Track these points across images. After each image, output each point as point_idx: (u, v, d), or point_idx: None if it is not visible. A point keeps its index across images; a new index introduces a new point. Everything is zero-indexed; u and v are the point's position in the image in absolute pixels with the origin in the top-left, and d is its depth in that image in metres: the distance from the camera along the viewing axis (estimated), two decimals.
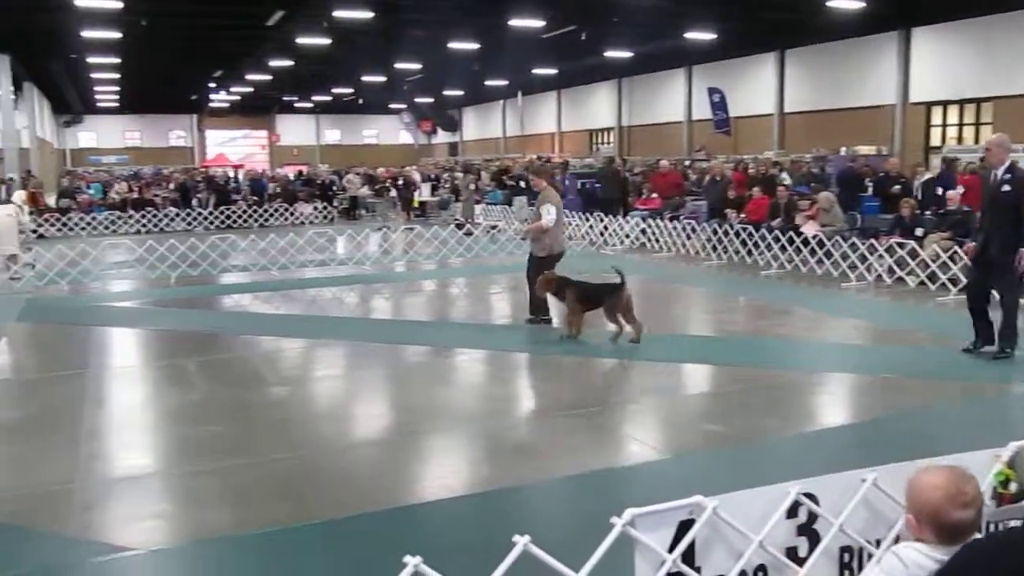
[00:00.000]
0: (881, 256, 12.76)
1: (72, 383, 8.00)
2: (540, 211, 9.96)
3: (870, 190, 16.46)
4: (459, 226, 20.84)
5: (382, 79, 41.54)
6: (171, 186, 29.96)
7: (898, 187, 15.20)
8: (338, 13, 23.50)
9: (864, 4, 22.65)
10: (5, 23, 25.49)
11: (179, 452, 6.12)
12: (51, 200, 27.73)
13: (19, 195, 22.58)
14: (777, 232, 14.56)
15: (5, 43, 28.49)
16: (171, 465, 5.89)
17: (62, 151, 56.89)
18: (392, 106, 58.71)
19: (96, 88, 44.76)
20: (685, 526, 2.73)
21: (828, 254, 13.51)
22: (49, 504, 5.10)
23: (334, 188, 30.27)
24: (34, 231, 22.06)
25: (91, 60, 33.23)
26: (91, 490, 5.35)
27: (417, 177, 30.49)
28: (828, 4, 22.64)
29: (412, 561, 2.36)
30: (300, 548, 4.47)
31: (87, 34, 26.24)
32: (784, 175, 19.13)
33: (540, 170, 11.81)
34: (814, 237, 13.94)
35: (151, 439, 6.53)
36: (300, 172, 37.10)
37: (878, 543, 3.02)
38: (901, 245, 12.64)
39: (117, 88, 44.80)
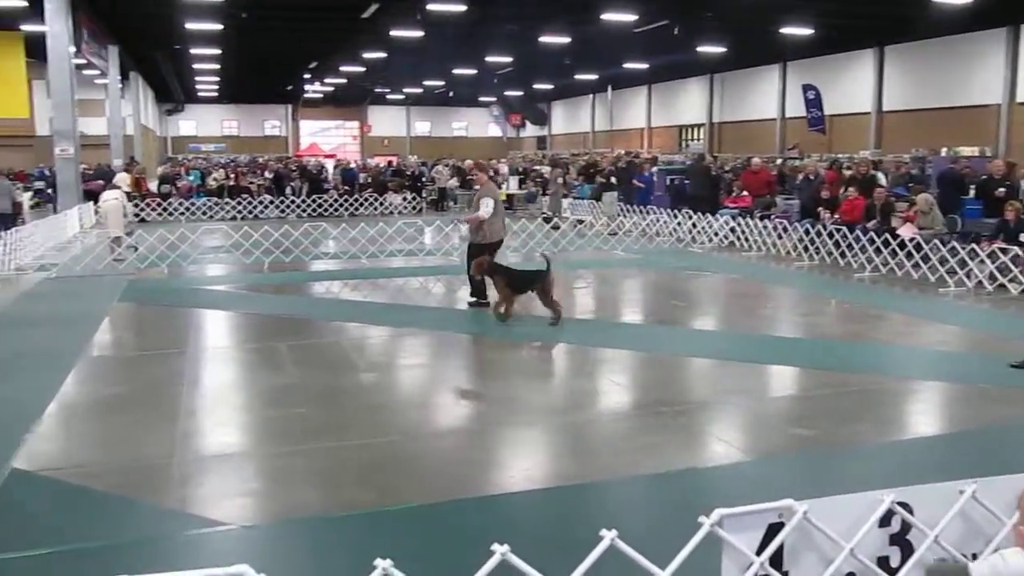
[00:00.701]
0: (982, 261, 12.31)
1: (170, 362, 8.31)
2: (479, 203, 10.74)
3: (972, 192, 15.90)
4: (546, 220, 20.87)
5: (473, 72, 41.86)
6: (266, 174, 30.76)
7: (1002, 190, 14.60)
8: (432, 6, 23.75)
9: (970, 0, 21.82)
10: (115, 15, 26.55)
11: (270, 433, 6.31)
12: (152, 186, 28.75)
13: (123, 179, 23.54)
14: (872, 234, 14.17)
15: (115, 34, 29.64)
16: (262, 445, 6.08)
17: (163, 138, 58.93)
18: (482, 99, 59.08)
19: (197, 78, 46.25)
20: (774, 529, 2.70)
21: (926, 258, 13.09)
22: (149, 477, 5.32)
23: (423, 179, 30.64)
24: (136, 215, 22.91)
25: (193, 51, 34.36)
26: (187, 466, 5.55)
27: (504, 170, 30.59)
28: None
29: (500, 549, 2.39)
30: (386, 531, 4.57)
31: (191, 26, 27.11)
32: (880, 175, 18.60)
33: (480, 166, 12.78)
34: (911, 240, 13.53)
35: (244, 419, 6.74)
36: (390, 163, 37.65)
37: (974, 556, 2.94)
38: (1004, 251, 12.17)
39: (216, 78, 46.18)
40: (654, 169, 24.57)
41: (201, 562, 4.19)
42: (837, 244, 14.81)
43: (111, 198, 16.89)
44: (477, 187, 11.47)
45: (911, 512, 2.87)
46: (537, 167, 33.19)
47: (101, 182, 24.82)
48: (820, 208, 16.36)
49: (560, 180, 25.31)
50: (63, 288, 13.02)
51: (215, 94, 54.06)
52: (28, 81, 24.10)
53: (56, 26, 20.37)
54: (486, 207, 10.62)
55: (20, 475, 5.33)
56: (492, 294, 10.59)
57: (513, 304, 10.02)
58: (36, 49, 23.34)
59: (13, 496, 5.03)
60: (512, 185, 29.04)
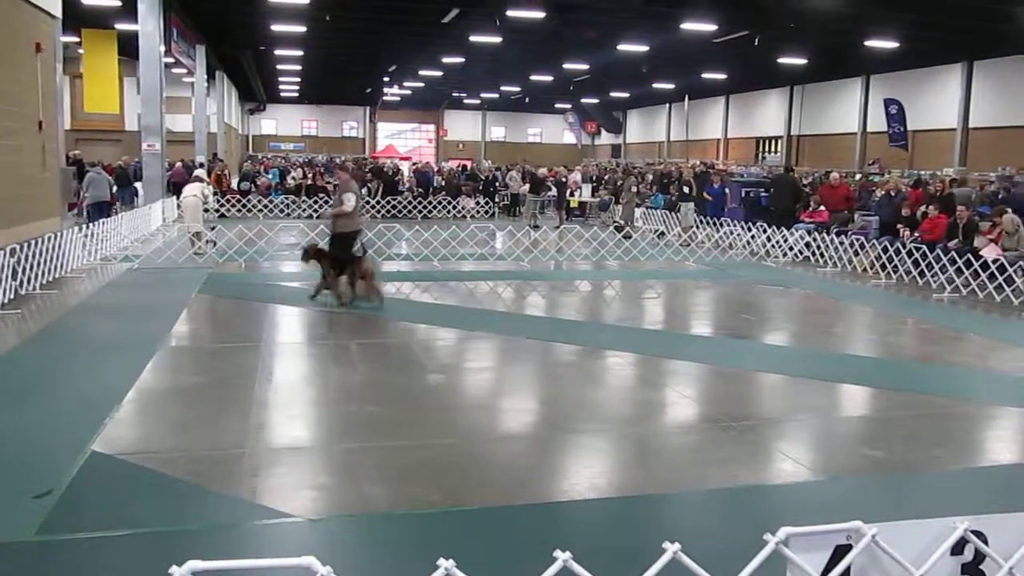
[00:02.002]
0: None
1: (245, 355, 8.52)
2: (342, 198, 11.91)
3: None
4: (618, 228, 20.80)
5: (549, 78, 41.92)
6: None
7: None
8: (511, 12, 23.88)
9: None
10: (204, 15, 27.30)
11: (339, 428, 6.42)
12: (233, 183, 29.48)
13: (203, 175, 24.20)
14: (954, 253, 13.78)
15: (203, 34, 30.47)
16: (332, 440, 6.20)
17: (245, 137, 60.34)
18: (557, 105, 59.10)
19: (279, 78, 47.26)
20: (841, 551, 2.65)
21: (1009, 280, 12.69)
22: (221, 466, 5.46)
23: (496, 184, 30.78)
24: (216, 210, 23.53)
25: (277, 52, 35.15)
26: (259, 457, 5.69)
27: (577, 177, 30.57)
28: None
29: (562, 556, 2.40)
30: (449, 532, 4.62)
31: (276, 27, 27.75)
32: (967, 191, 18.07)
33: (342, 166, 14.85)
34: (995, 261, 13.12)
35: (314, 413, 6.88)
36: (464, 167, 37.91)
37: None
38: None
39: (298, 79, 47.14)
40: (722, 182, 24.22)
41: (269, 552, 4.30)
42: (916, 263, 14.44)
43: (190, 194, 17.37)
44: (337, 184, 13.06)
45: (985, 541, 2.79)
46: (611, 175, 33.04)
47: (184, 173, 25.54)
48: (900, 226, 15.97)
49: (633, 189, 25.18)
50: (145, 279, 13.45)
51: (296, 94, 55.17)
52: (119, 78, 24.93)
53: (148, 25, 21.07)
54: (348, 202, 11.75)
55: (100, 458, 5.52)
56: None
57: (339, 284, 11.40)
58: (127, 47, 24.15)
59: (92, 479, 5.21)
60: (585, 193, 28.98)
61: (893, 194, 17.57)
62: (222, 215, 24.25)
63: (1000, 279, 12.86)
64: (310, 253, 11.72)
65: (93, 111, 25.96)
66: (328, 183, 29.34)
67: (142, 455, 5.61)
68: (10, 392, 7.01)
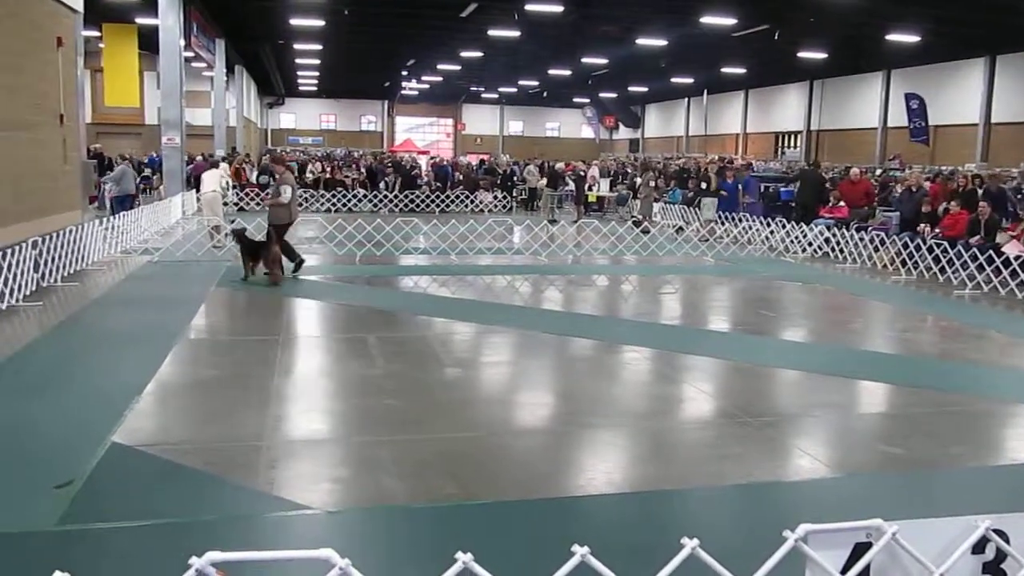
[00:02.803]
0: None
1: (263, 348, 8.56)
2: (279, 190, 12.90)
3: None
4: (636, 223, 20.74)
5: (567, 73, 41.84)
6: (360, 168, 31.32)
7: None
8: (529, 6, 23.86)
9: None
10: (224, 10, 27.41)
11: (357, 421, 6.45)
12: (252, 176, 29.58)
13: (224, 168, 24.33)
14: (975, 250, 13.66)
15: (222, 28, 30.60)
16: (350, 433, 6.22)
17: (264, 130, 60.59)
18: (575, 100, 58.98)
19: (298, 72, 47.42)
20: (861, 549, 2.63)
21: None
22: (239, 458, 5.49)
23: (514, 178, 30.76)
24: (236, 203, 23.61)
25: (296, 46, 35.23)
26: (277, 449, 5.72)
27: (595, 172, 30.51)
28: None
29: (580, 551, 2.39)
30: (467, 525, 4.62)
31: (295, 21, 27.84)
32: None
33: (278, 159, 15.34)
34: (1016, 258, 13.00)
35: (332, 406, 6.91)
36: (482, 161, 37.92)
37: None
38: None
39: (316, 73, 47.27)
40: (734, 178, 24.02)
41: (286, 544, 4.33)
42: (937, 259, 14.32)
43: (209, 189, 17.46)
44: (277, 176, 13.52)
45: (1007, 540, 2.77)
46: (630, 170, 32.95)
47: (204, 164, 25.72)
48: (921, 222, 15.86)
49: (651, 184, 25.11)
50: (165, 272, 13.54)
51: (314, 88, 55.34)
52: (139, 72, 25.08)
53: (168, 20, 21.19)
54: (285, 193, 12.83)
55: (119, 449, 5.56)
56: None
57: (251, 265, 12.68)
58: (148, 41, 24.30)
59: (112, 469, 5.25)
60: (603, 187, 28.93)
61: (914, 190, 17.44)
62: (241, 208, 24.36)
63: (1022, 275, 12.73)
64: (236, 237, 12.93)
65: (113, 105, 26.14)
66: (347, 177, 29.43)
67: (161, 446, 5.65)
68: (31, 384, 7.07)
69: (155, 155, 31.21)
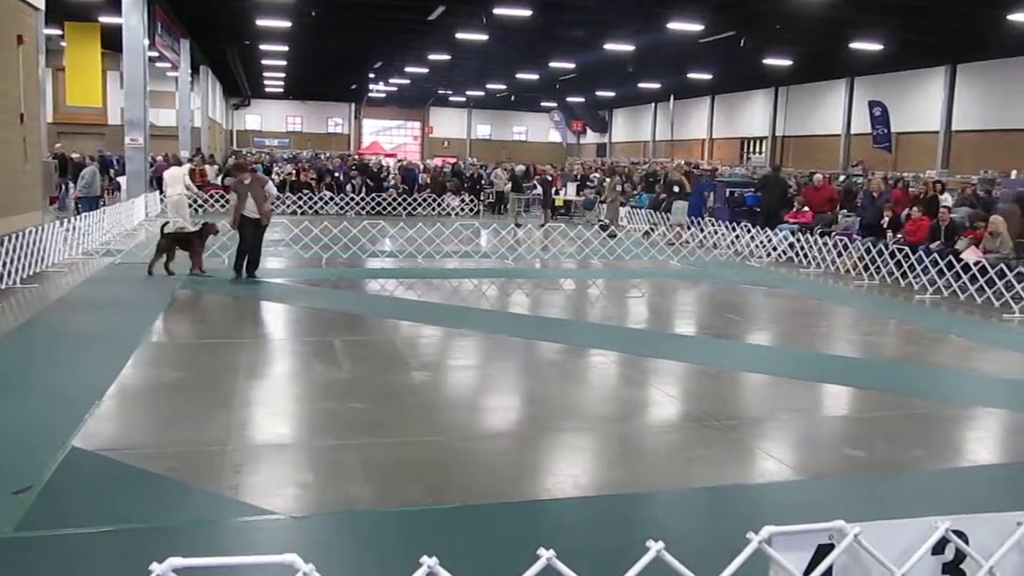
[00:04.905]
0: None
1: (228, 351, 8.48)
2: (265, 192, 13.32)
3: None
4: (603, 227, 20.82)
5: (535, 77, 41.96)
6: (335, 174, 31.01)
7: None
8: (497, 10, 23.88)
9: None
10: (189, 9, 27.15)
11: (323, 425, 6.40)
12: (212, 175, 29.29)
13: (186, 169, 24.08)
14: (936, 255, 13.87)
15: (187, 28, 30.31)
16: (315, 437, 6.17)
17: (229, 132, 60.06)
18: (543, 104, 59.14)
19: (264, 74, 47.12)
20: (824, 550, 2.66)
21: (991, 282, 12.78)
22: (204, 463, 5.43)
23: (482, 182, 30.75)
24: (191, 205, 23.34)
25: (262, 47, 35.00)
26: (242, 453, 5.66)
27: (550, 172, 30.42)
28: (1009, 18, 21.36)
29: (546, 554, 2.39)
30: (433, 529, 4.61)
31: (261, 22, 27.65)
32: (946, 196, 18.20)
33: (240, 166, 15.32)
34: (976, 263, 13.22)
35: (298, 410, 6.85)
36: (451, 164, 37.88)
37: None
38: None
39: (283, 75, 47.00)
40: (697, 184, 24.18)
41: (251, 549, 4.29)
42: (899, 264, 14.53)
43: (175, 192, 17.26)
44: (247, 181, 13.42)
45: (966, 541, 2.81)
46: (596, 175, 33.07)
47: (164, 164, 25.45)
48: (883, 227, 16.08)
49: (618, 188, 25.23)
50: (127, 274, 13.35)
51: (281, 90, 55.00)
52: (103, 71, 24.75)
53: (132, 18, 20.94)
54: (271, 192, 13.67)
55: (80, 453, 5.48)
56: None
57: (163, 256, 13.00)
58: (111, 40, 23.99)
59: (72, 474, 5.17)
60: (570, 191, 29.01)
61: (876, 196, 17.67)
62: (205, 210, 24.12)
63: (981, 281, 12.96)
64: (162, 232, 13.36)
65: (76, 105, 25.79)
66: (312, 179, 29.23)
67: (123, 451, 5.57)
68: None
69: (111, 155, 30.82)
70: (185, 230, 13.49)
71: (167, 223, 13.46)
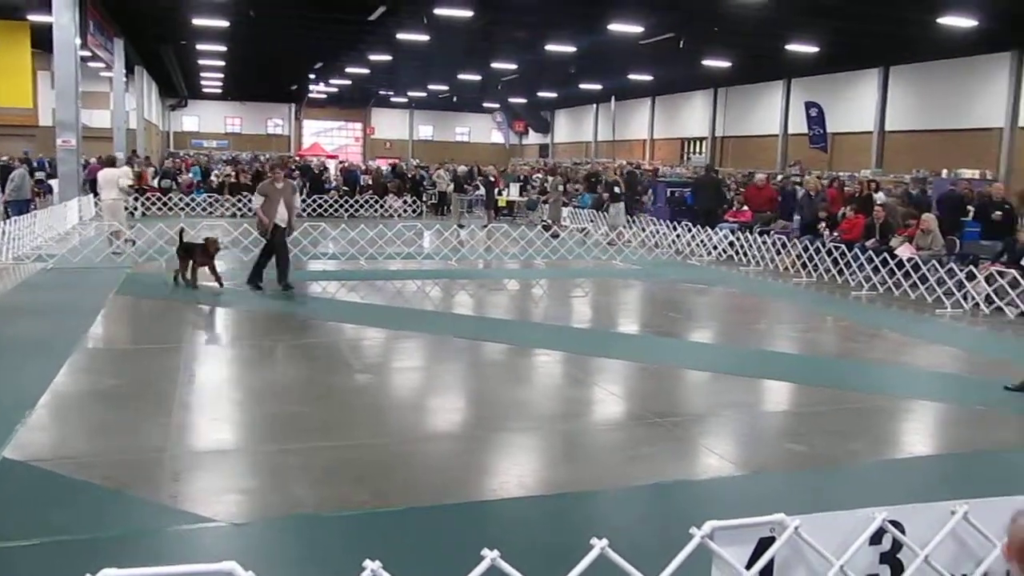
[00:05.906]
0: (979, 283, 12.33)
1: (166, 356, 8.30)
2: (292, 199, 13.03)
3: (971, 215, 15.93)
4: (546, 228, 20.88)
5: (477, 78, 41.88)
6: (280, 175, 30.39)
7: (999, 213, 14.64)
8: (438, 10, 23.78)
9: (976, 23, 21.87)
10: (123, 8, 26.56)
11: (264, 430, 6.30)
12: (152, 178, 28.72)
13: (126, 172, 23.54)
14: (871, 252, 14.20)
15: (121, 27, 29.64)
16: (256, 442, 6.08)
17: (166, 133, 58.90)
18: (486, 105, 59.09)
19: (202, 74, 46.26)
20: (765, 543, 2.70)
21: (923, 278, 13.11)
22: (141, 471, 5.30)
23: (424, 183, 30.62)
24: (131, 210, 22.86)
25: (199, 47, 34.35)
26: (180, 460, 5.54)
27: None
28: (939, 21, 21.94)
29: (490, 555, 2.39)
30: (377, 532, 4.56)
31: (198, 22, 27.14)
32: (880, 195, 18.62)
33: (279, 165, 15.36)
34: (909, 260, 13.55)
35: (238, 415, 6.74)
36: (393, 166, 37.63)
37: None
38: (1002, 273, 12.21)
39: (221, 75, 46.20)
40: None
41: (190, 558, 4.19)
42: (836, 261, 14.83)
43: (109, 196, 16.83)
44: (279, 185, 13.10)
45: (903, 531, 2.87)
46: (538, 175, 33.17)
47: (97, 166, 24.85)
48: (820, 225, 16.40)
49: (560, 188, 25.33)
50: (60, 279, 13.01)
51: (219, 91, 54.05)
52: (33, 71, 24.09)
53: (63, 17, 20.37)
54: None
55: (11, 465, 5.32)
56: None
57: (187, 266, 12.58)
58: (42, 39, 23.34)
59: (3, 486, 5.02)
60: (513, 192, 29.05)
61: (813, 195, 18.01)
62: (143, 214, 23.63)
63: (915, 277, 13.28)
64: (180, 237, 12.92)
65: (5, 105, 25.04)
66: (251, 182, 28.79)
67: (57, 461, 5.42)
68: None
69: (42, 157, 30.02)
70: (193, 241, 12.97)
71: (183, 229, 13.05)
